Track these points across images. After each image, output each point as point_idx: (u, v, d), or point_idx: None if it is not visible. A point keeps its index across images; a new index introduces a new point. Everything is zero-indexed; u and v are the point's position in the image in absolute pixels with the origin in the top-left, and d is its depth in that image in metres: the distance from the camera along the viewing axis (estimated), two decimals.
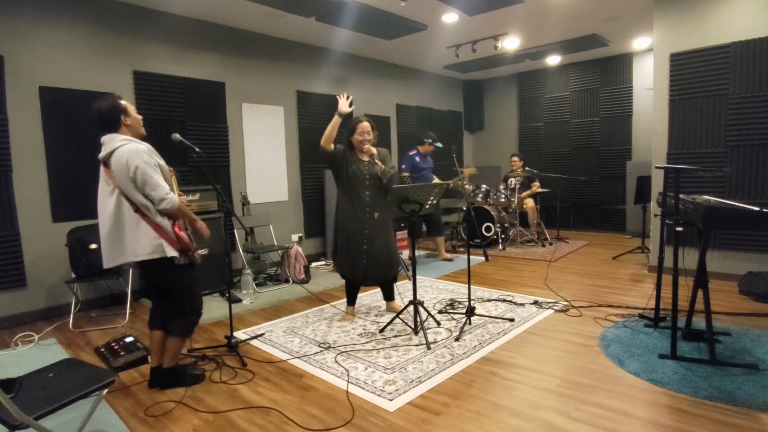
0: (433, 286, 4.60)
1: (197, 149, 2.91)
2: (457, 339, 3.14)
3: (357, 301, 3.79)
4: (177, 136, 2.86)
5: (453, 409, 2.29)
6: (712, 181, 4.41)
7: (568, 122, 7.87)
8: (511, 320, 3.48)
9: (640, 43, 6.55)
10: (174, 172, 2.74)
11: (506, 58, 7.06)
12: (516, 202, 6.42)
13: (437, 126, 8.23)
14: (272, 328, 3.55)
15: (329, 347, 3.11)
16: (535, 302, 3.91)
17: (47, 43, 3.95)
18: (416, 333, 3.26)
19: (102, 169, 2.40)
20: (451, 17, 5.12)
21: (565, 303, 3.86)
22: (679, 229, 2.75)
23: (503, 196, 6.45)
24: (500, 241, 6.31)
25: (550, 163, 8.01)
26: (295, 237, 5.97)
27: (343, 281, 3.76)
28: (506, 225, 6.52)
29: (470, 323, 3.43)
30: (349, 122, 3.52)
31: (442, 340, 3.15)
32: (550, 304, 3.83)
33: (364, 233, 3.44)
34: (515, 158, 6.89)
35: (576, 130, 7.79)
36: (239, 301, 4.25)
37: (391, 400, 2.37)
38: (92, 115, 2.40)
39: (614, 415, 2.17)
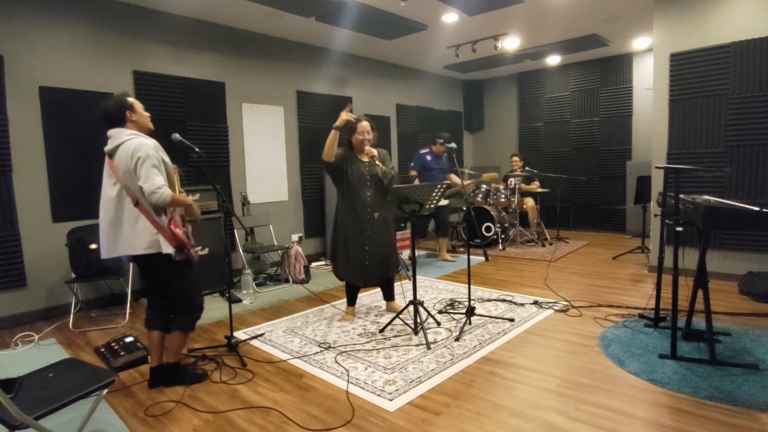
0: (433, 286, 4.60)
1: (197, 149, 2.91)
2: (457, 339, 3.14)
3: (357, 301, 3.79)
4: (177, 136, 2.87)
5: (453, 409, 2.29)
6: (712, 181, 4.41)
7: (568, 122, 7.87)
8: (511, 320, 3.48)
9: (640, 43, 6.55)
10: (178, 170, 2.75)
11: (506, 58, 7.06)
12: (516, 202, 6.42)
13: (437, 126, 8.23)
14: (272, 328, 3.55)
15: (329, 347, 3.11)
16: (535, 302, 3.91)
17: (47, 43, 3.95)
18: (416, 333, 3.26)
19: (106, 161, 2.42)
20: (451, 17, 5.12)
21: (565, 303, 3.87)
22: (679, 229, 2.75)
23: (503, 196, 6.45)
24: (500, 241, 6.31)
25: (550, 163, 8.01)
26: (295, 237, 5.97)
27: (342, 282, 3.76)
28: (506, 225, 6.52)
29: (470, 323, 3.43)
30: (348, 123, 3.51)
31: (442, 340, 3.15)
32: (550, 304, 3.83)
33: (366, 234, 3.44)
34: (516, 158, 6.89)
35: (576, 130, 7.79)
36: (239, 301, 4.25)
37: (391, 400, 2.37)
38: (99, 112, 2.43)
39: (614, 415, 2.17)
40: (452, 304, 3.94)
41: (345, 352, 3.02)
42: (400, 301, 4.04)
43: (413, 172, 5.55)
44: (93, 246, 3.77)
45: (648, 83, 6.41)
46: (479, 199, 6.49)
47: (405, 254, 5.90)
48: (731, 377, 2.46)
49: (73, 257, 3.81)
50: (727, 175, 4.31)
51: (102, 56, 4.28)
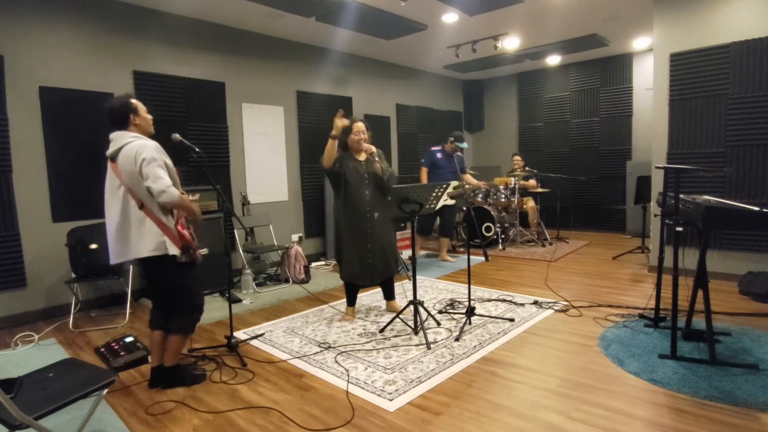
0: (433, 286, 4.60)
1: (197, 149, 2.91)
2: (457, 339, 3.14)
3: (357, 301, 3.79)
4: (177, 136, 2.86)
5: (453, 409, 2.29)
6: (712, 181, 4.41)
7: (568, 122, 7.87)
8: (511, 320, 3.48)
9: (640, 43, 6.55)
10: (178, 172, 2.74)
11: (506, 58, 7.06)
12: (516, 202, 6.42)
13: (437, 126, 8.24)
14: (272, 328, 3.55)
15: (329, 347, 3.11)
16: (535, 302, 3.91)
17: (47, 43, 3.95)
18: (416, 333, 3.26)
19: (109, 165, 2.42)
20: (451, 17, 5.12)
21: (565, 303, 3.86)
22: (679, 229, 2.75)
23: (503, 196, 6.45)
24: (500, 241, 6.31)
25: (550, 163, 8.01)
26: (295, 237, 5.97)
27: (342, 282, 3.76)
28: (506, 225, 6.52)
29: (470, 323, 3.43)
30: (344, 129, 3.49)
31: (442, 340, 3.15)
32: (550, 304, 3.83)
33: (367, 233, 3.44)
34: (517, 157, 6.89)
35: (576, 130, 7.79)
36: (239, 301, 4.25)
37: (391, 400, 2.37)
38: (103, 112, 2.44)
39: (614, 415, 2.17)
40: (452, 304, 3.94)
41: (345, 352, 3.02)
42: (400, 301, 4.04)
43: (423, 169, 5.55)
44: (93, 246, 3.77)
45: (648, 83, 6.41)
46: (479, 199, 6.49)
47: (405, 254, 5.90)
48: (731, 377, 2.46)
49: (73, 257, 3.81)
50: (727, 175, 4.31)
51: (102, 56, 4.28)
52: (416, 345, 3.07)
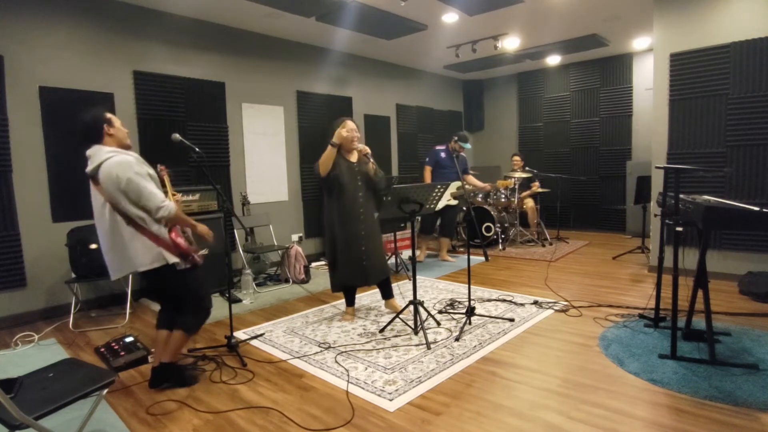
0: (433, 286, 4.60)
1: (197, 149, 2.91)
2: (457, 339, 3.14)
3: (357, 301, 3.80)
4: (177, 136, 2.87)
5: (453, 409, 2.29)
6: (712, 181, 4.41)
7: (568, 122, 7.87)
8: (511, 320, 3.48)
9: (640, 43, 6.55)
10: (167, 172, 2.73)
11: (506, 58, 7.06)
12: (516, 202, 6.41)
13: (437, 126, 8.24)
14: (272, 328, 3.55)
15: (329, 347, 3.11)
16: (535, 302, 3.91)
17: (47, 43, 3.95)
18: (416, 333, 3.26)
19: (91, 183, 2.35)
20: (451, 17, 5.12)
21: (565, 303, 3.86)
22: (679, 229, 2.75)
23: (503, 196, 6.45)
24: (500, 241, 6.31)
25: (550, 163, 8.01)
26: (295, 237, 5.97)
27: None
28: (506, 225, 6.52)
29: (470, 323, 3.43)
30: (332, 125, 3.50)
31: (442, 340, 3.15)
32: (550, 304, 3.83)
33: (361, 234, 3.44)
34: (517, 158, 6.89)
35: (576, 130, 7.79)
36: (239, 301, 4.25)
37: (391, 400, 2.37)
38: (74, 127, 2.38)
39: (614, 415, 2.17)
40: (452, 304, 3.94)
41: (345, 352, 3.02)
42: (400, 301, 4.04)
43: (427, 167, 5.54)
44: (93, 246, 3.77)
45: (648, 83, 6.41)
46: (479, 199, 6.49)
47: (405, 254, 5.91)
48: (731, 377, 2.46)
49: (73, 257, 3.81)
50: (727, 175, 4.30)
51: (102, 56, 4.28)
52: (416, 345, 3.07)
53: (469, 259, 3.68)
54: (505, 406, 2.30)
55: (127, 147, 2.45)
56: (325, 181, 3.39)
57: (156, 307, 4.18)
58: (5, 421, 1.56)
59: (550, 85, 8.05)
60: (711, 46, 4.33)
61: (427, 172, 5.55)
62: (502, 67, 7.92)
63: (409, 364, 2.79)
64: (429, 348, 3.00)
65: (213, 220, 4.58)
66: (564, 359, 2.81)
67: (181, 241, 2.42)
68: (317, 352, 3.03)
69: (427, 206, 3.36)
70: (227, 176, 5.24)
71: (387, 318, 3.56)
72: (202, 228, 2.60)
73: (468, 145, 5.49)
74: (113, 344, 3.08)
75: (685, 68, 4.49)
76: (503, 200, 6.45)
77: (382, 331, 3.35)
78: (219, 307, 4.05)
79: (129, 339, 3.13)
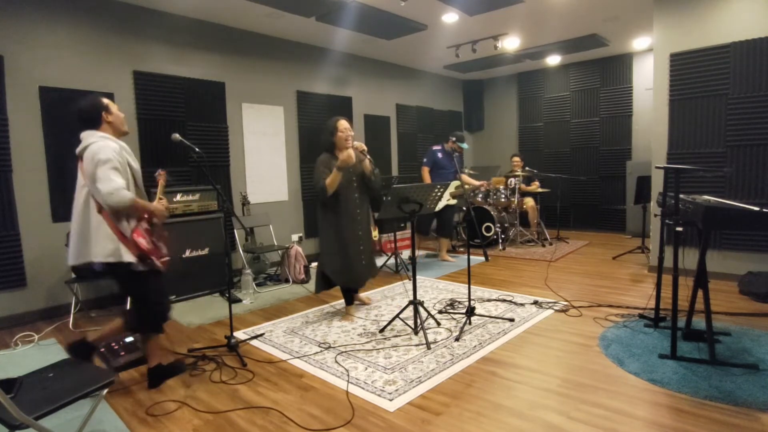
0: (433, 286, 4.60)
1: (197, 149, 2.91)
2: (457, 339, 3.14)
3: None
4: (177, 136, 2.86)
5: (453, 409, 2.29)
6: (712, 181, 4.41)
7: (568, 122, 7.87)
8: (511, 320, 3.48)
9: (640, 43, 6.54)
10: (164, 177, 2.70)
11: (506, 58, 7.06)
12: (516, 202, 6.42)
13: (437, 126, 8.24)
14: (272, 328, 3.55)
15: (329, 347, 3.11)
16: (535, 302, 3.91)
17: (47, 43, 3.95)
18: (416, 333, 3.26)
19: (78, 163, 2.37)
20: (451, 17, 5.12)
21: (565, 303, 3.86)
22: (679, 229, 2.75)
23: (503, 196, 6.45)
24: (500, 241, 6.31)
25: (550, 163, 8.01)
26: (295, 237, 5.97)
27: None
28: (506, 225, 6.52)
29: (470, 323, 3.43)
30: (325, 125, 3.50)
31: (442, 340, 3.15)
32: (550, 304, 3.83)
33: (359, 235, 3.48)
34: (516, 158, 6.89)
35: (576, 130, 7.79)
36: (239, 301, 4.25)
37: (391, 400, 2.37)
38: (74, 113, 2.39)
39: (614, 415, 2.17)
40: (452, 304, 3.94)
41: (345, 352, 3.02)
42: (400, 301, 4.05)
43: (425, 168, 5.55)
44: None
45: (648, 83, 6.41)
46: (479, 199, 6.49)
47: (405, 254, 5.91)
48: (731, 377, 2.46)
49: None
50: (727, 175, 4.30)
51: (102, 56, 4.28)
52: (416, 345, 3.07)
53: (469, 259, 3.68)
54: (505, 406, 2.30)
55: (124, 133, 2.48)
56: (329, 198, 3.34)
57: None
58: (5, 421, 1.56)
59: (550, 85, 8.05)
60: (711, 46, 4.33)
61: (425, 172, 5.56)
62: (502, 67, 7.92)
63: (409, 364, 2.79)
64: (429, 348, 3.00)
65: (213, 220, 4.60)
66: (564, 359, 2.81)
67: (142, 241, 2.34)
68: (317, 352, 3.03)
69: (427, 206, 3.36)
70: (227, 176, 5.24)
71: (387, 318, 3.56)
72: (156, 207, 2.50)
73: (465, 145, 5.50)
74: (113, 344, 3.07)
75: (685, 68, 4.49)
76: (503, 200, 6.45)
77: (382, 331, 3.35)
78: (219, 307, 4.07)
79: (129, 339, 3.12)
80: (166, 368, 2.69)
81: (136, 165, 2.43)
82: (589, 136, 7.65)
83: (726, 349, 2.82)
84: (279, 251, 5.09)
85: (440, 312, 3.74)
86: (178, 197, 4.38)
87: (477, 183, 5.91)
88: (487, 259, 5.71)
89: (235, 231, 5.07)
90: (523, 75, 8.38)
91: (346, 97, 6.58)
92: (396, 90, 7.44)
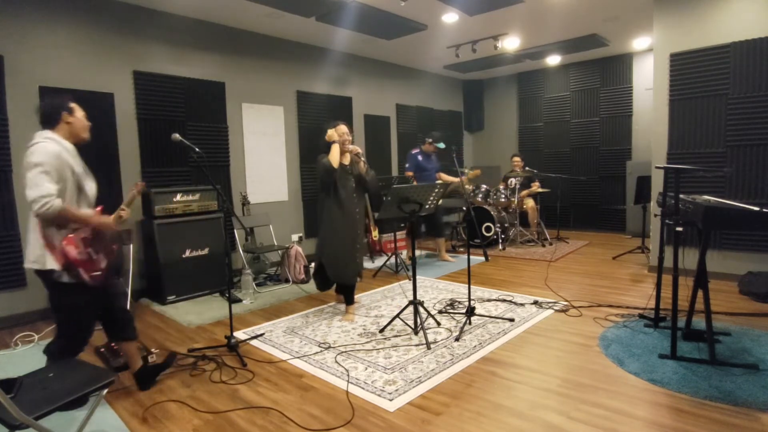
0: (433, 286, 4.60)
1: (197, 149, 2.91)
2: (457, 339, 3.14)
3: (357, 301, 3.81)
4: (177, 136, 2.86)
5: (453, 409, 2.29)
6: (712, 181, 4.41)
7: (568, 122, 7.87)
8: (511, 320, 3.48)
9: (640, 43, 6.54)
10: (138, 188, 2.62)
11: (506, 58, 7.06)
12: (516, 202, 6.42)
13: (437, 126, 8.23)
14: (272, 328, 3.55)
15: (329, 347, 3.11)
16: (535, 302, 3.91)
17: (47, 43, 3.95)
18: (416, 333, 3.26)
19: None
20: (451, 17, 5.12)
21: (565, 303, 3.86)
22: (679, 229, 2.75)
23: (503, 196, 6.45)
24: (500, 241, 6.31)
25: (550, 163, 8.01)
26: (295, 237, 5.97)
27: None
28: (506, 225, 6.52)
29: (470, 323, 3.43)
30: (326, 127, 3.69)
31: (442, 340, 3.15)
32: (550, 304, 3.83)
33: (357, 233, 3.60)
34: (516, 158, 6.89)
35: (576, 130, 7.79)
36: (239, 301, 4.25)
37: (391, 400, 2.37)
38: (36, 111, 2.30)
39: (614, 415, 2.17)
40: (452, 304, 3.94)
41: (345, 352, 3.02)
42: (400, 301, 4.05)
43: (409, 173, 5.57)
44: None
45: (648, 83, 6.41)
46: (479, 199, 6.49)
47: (404, 254, 5.91)
48: (731, 377, 2.46)
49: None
50: (727, 175, 4.30)
51: (102, 56, 4.28)
52: (416, 345, 3.07)
53: (469, 259, 3.68)
54: (505, 406, 2.30)
55: (83, 140, 2.37)
56: (332, 173, 3.45)
57: (156, 306, 4.19)
58: (5, 421, 1.56)
59: (550, 85, 8.05)
60: (711, 46, 4.33)
61: (411, 177, 5.58)
62: (502, 67, 7.92)
63: (409, 364, 2.79)
64: (429, 348, 3.00)
65: (213, 220, 4.60)
66: (564, 359, 2.81)
67: (72, 250, 2.16)
68: (317, 352, 3.03)
69: (427, 206, 3.36)
70: (227, 176, 5.24)
71: (387, 318, 3.57)
72: (102, 222, 2.32)
73: (442, 145, 5.55)
74: (113, 344, 3.08)
75: (685, 68, 4.49)
76: (503, 200, 6.45)
77: (382, 331, 3.35)
78: (219, 307, 4.07)
79: None
80: (152, 368, 2.68)
81: (80, 169, 2.29)
82: (589, 136, 7.65)
83: (726, 349, 2.82)
84: (279, 251, 5.09)
85: (440, 312, 3.74)
86: (178, 197, 4.38)
87: (454, 179, 5.88)
88: (487, 259, 5.72)
89: (235, 231, 5.07)
90: (523, 75, 8.38)
91: (346, 97, 6.58)
92: (396, 90, 7.44)
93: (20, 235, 3.82)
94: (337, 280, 3.69)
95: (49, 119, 2.26)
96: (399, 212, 3.26)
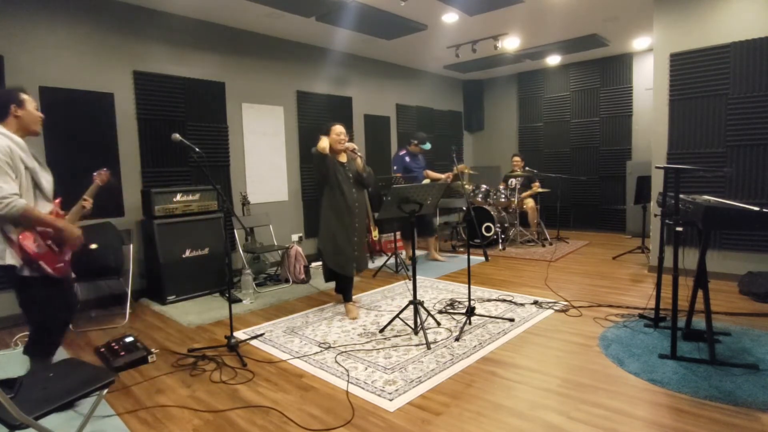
0: (433, 286, 4.60)
1: (197, 149, 2.91)
2: (457, 339, 3.14)
3: (357, 301, 3.81)
4: (177, 136, 2.87)
5: (453, 409, 2.29)
6: (712, 181, 4.41)
7: (568, 122, 7.87)
8: (511, 320, 3.48)
9: (640, 43, 6.54)
10: (102, 176, 2.60)
11: (506, 58, 7.06)
12: (516, 202, 6.41)
13: (437, 126, 8.24)
14: (272, 328, 3.55)
15: (329, 347, 3.11)
16: (535, 302, 3.91)
17: (47, 43, 3.95)
18: (416, 333, 3.26)
19: None
20: (451, 17, 5.12)
21: (565, 303, 3.86)
22: (679, 229, 2.75)
23: (503, 196, 6.45)
24: (500, 241, 6.31)
25: (550, 163, 8.01)
26: (295, 237, 5.97)
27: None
28: (506, 225, 6.52)
29: (470, 323, 3.43)
30: (322, 127, 3.80)
31: (442, 340, 3.15)
32: (550, 304, 3.83)
33: (355, 227, 3.67)
34: (517, 158, 6.89)
35: (576, 130, 7.79)
36: (239, 301, 4.25)
37: (391, 400, 2.37)
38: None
39: (614, 415, 2.17)
40: (452, 304, 3.94)
41: (345, 352, 3.02)
42: (400, 301, 4.05)
43: (397, 174, 5.58)
44: (93, 246, 3.77)
45: (648, 83, 6.41)
46: (479, 199, 6.49)
47: (404, 254, 5.90)
48: (731, 377, 2.46)
49: (73, 257, 3.79)
50: (727, 175, 4.30)
51: (102, 56, 4.28)
52: (416, 345, 3.07)
53: (469, 259, 3.68)
54: (505, 406, 2.30)
55: (32, 133, 2.32)
56: (323, 162, 3.60)
57: (156, 306, 4.19)
58: (5, 421, 1.56)
59: (550, 85, 8.05)
60: (711, 46, 4.33)
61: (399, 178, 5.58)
62: (502, 67, 7.92)
63: (409, 364, 2.79)
64: (429, 348, 3.00)
65: (213, 220, 4.60)
66: (564, 359, 2.81)
67: (29, 244, 2.17)
68: (317, 352, 3.03)
69: (427, 206, 3.37)
70: (227, 176, 5.24)
71: (387, 318, 3.57)
72: (68, 229, 2.33)
73: (428, 146, 5.56)
74: (113, 344, 3.08)
75: (685, 68, 4.49)
76: (503, 200, 6.45)
77: (382, 331, 3.35)
78: (219, 307, 4.07)
79: (129, 339, 3.13)
80: None
81: (32, 164, 2.24)
82: (589, 136, 7.64)
83: (726, 349, 2.82)
84: (279, 251, 5.09)
85: (440, 312, 3.74)
86: (178, 197, 4.38)
87: (442, 176, 5.88)
88: (487, 259, 5.71)
89: (235, 231, 5.07)
90: (523, 75, 8.38)
91: (346, 97, 6.58)
92: (396, 90, 7.43)
93: None
94: (337, 271, 3.72)
95: None
96: (399, 212, 3.27)
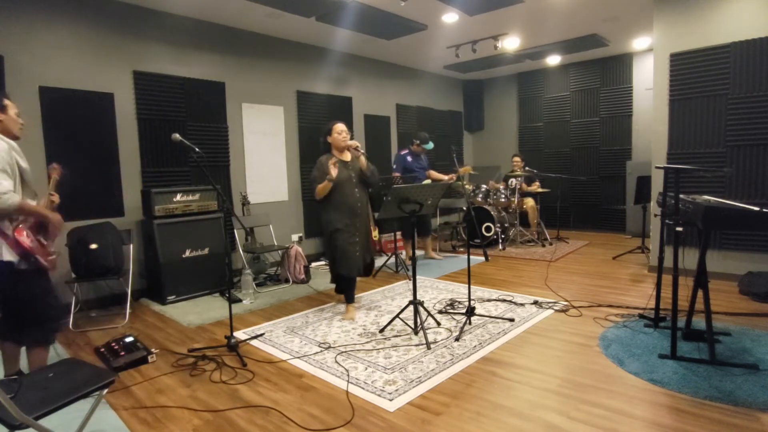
0: (433, 286, 4.60)
1: (197, 149, 2.91)
2: (457, 339, 3.14)
3: (357, 301, 3.81)
4: (177, 136, 2.87)
5: (453, 409, 2.29)
6: (712, 181, 4.41)
7: (568, 122, 7.87)
8: (511, 320, 3.48)
9: (640, 43, 6.54)
10: (57, 171, 2.71)
11: (506, 58, 7.06)
12: (516, 202, 6.41)
13: (437, 126, 8.23)
14: (272, 328, 3.55)
15: (329, 347, 3.11)
16: (535, 302, 3.91)
17: (47, 43, 3.95)
18: (416, 333, 3.26)
19: None
20: (451, 17, 5.12)
21: (565, 303, 3.86)
22: (679, 229, 2.75)
23: (503, 196, 6.45)
24: (500, 241, 6.31)
25: (550, 163, 8.01)
26: (295, 237, 5.97)
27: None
28: (506, 225, 6.52)
29: (470, 323, 3.43)
30: (323, 127, 3.79)
31: (442, 340, 3.15)
32: (550, 304, 3.83)
33: (357, 227, 3.64)
34: (517, 158, 6.89)
35: (576, 130, 7.79)
36: (239, 301, 4.25)
37: (391, 400, 2.37)
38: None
39: (614, 415, 2.17)
40: (452, 304, 3.94)
41: (345, 352, 3.02)
42: (400, 301, 4.05)
43: (396, 174, 5.57)
44: (93, 246, 3.78)
45: (648, 83, 6.41)
46: (479, 199, 6.49)
47: (404, 254, 5.90)
48: (731, 377, 2.46)
49: (73, 257, 3.81)
50: (727, 175, 4.30)
51: (102, 56, 4.27)
52: (416, 345, 3.07)
53: (469, 259, 3.68)
54: (505, 406, 2.30)
55: (14, 137, 2.37)
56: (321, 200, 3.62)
57: (156, 306, 4.19)
58: (5, 421, 1.56)
59: (550, 85, 8.05)
60: (711, 46, 4.33)
61: (397, 178, 5.58)
62: (502, 67, 7.92)
63: (409, 364, 2.79)
64: (429, 348, 3.00)
65: (213, 220, 4.60)
66: (564, 359, 2.81)
67: (24, 239, 2.27)
68: (317, 352, 3.03)
69: (427, 206, 3.37)
70: (227, 176, 5.24)
71: (387, 318, 3.57)
72: (53, 216, 2.43)
73: (430, 145, 5.56)
74: (113, 344, 3.08)
75: (685, 68, 4.49)
76: (503, 200, 6.45)
77: (382, 331, 3.35)
78: (219, 307, 4.07)
79: (129, 339, 3.13)
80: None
81: (25, 164, 2.35)
82: (589, 136, 7.65)
83: (726, 349, 2.82)
84: (279, 251, 5.09)
85: (440, 312, 3.74)
86: (178, 197, 4.39)
87: (445, 177, 5.88)
88: (487, 259, 5.71)
89: (235, 231, 5.07)
90: (523, 75, 8.38)
91: (346, 97, 6.58)
92: (396, 90, 7.43)
93: None
94: (343, 274, 3.68)
95: None
96: (399, 212, 3.27)
